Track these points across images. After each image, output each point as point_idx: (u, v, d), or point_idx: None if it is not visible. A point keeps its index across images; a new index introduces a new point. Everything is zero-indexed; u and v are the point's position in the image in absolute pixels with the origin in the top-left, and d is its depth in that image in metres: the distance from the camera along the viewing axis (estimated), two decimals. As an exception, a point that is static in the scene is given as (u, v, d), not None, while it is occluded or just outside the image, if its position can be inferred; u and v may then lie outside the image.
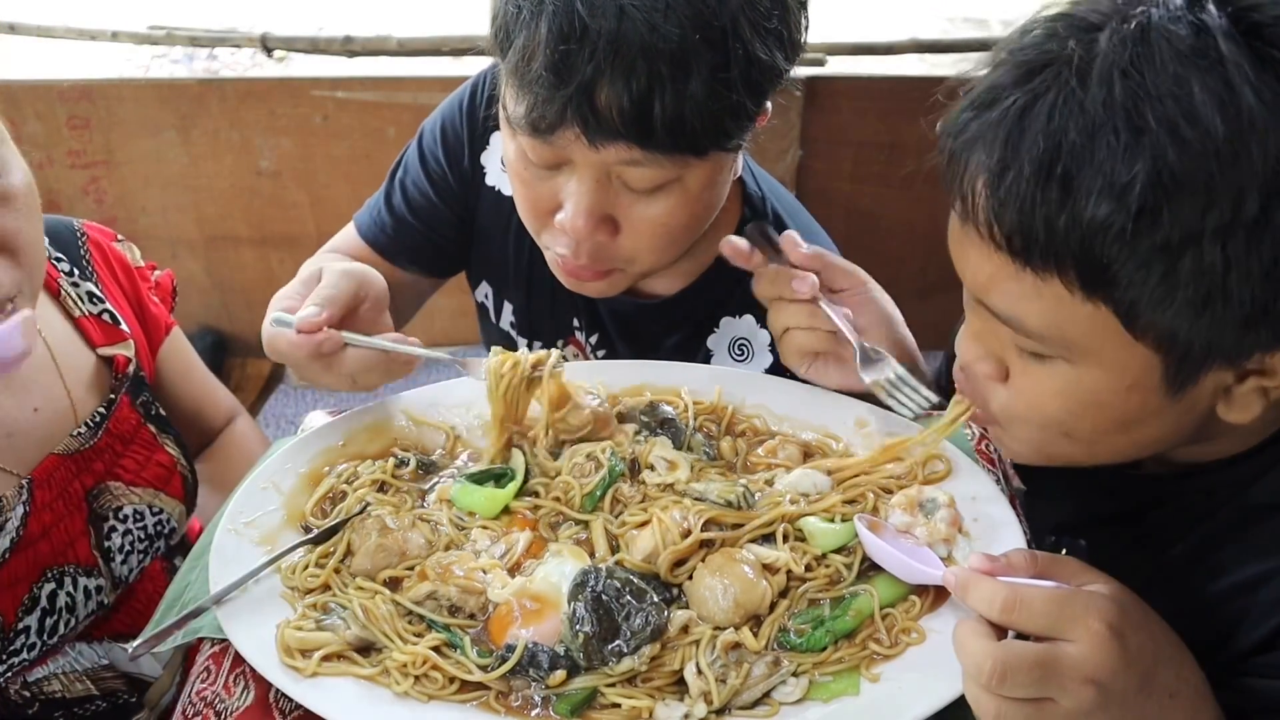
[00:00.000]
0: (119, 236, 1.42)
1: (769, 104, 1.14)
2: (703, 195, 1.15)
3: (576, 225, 1.11)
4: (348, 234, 1.53)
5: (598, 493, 1.05)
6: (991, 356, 0.94)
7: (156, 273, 1.46)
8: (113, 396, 1.27)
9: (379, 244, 1.48)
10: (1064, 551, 1.16)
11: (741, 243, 1.16)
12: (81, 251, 1.32)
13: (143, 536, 1.27)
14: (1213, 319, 0.78)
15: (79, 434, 1.22)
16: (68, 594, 1.19)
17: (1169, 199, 0.74)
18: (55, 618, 1.18)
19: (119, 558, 1.24)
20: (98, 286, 1.31)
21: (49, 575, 1.17)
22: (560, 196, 1.12)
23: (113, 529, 1.24)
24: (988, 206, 0.82)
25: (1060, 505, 1.15)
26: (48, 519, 1.18)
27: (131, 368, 1.30)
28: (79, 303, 1.28)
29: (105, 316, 1.30)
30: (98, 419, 1.25)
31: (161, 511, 1.29)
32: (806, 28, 1.12)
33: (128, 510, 1.25)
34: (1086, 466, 0.98)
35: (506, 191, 1.42)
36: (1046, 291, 0.83)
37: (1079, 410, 0.89)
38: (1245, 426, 0.89)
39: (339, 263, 1.20)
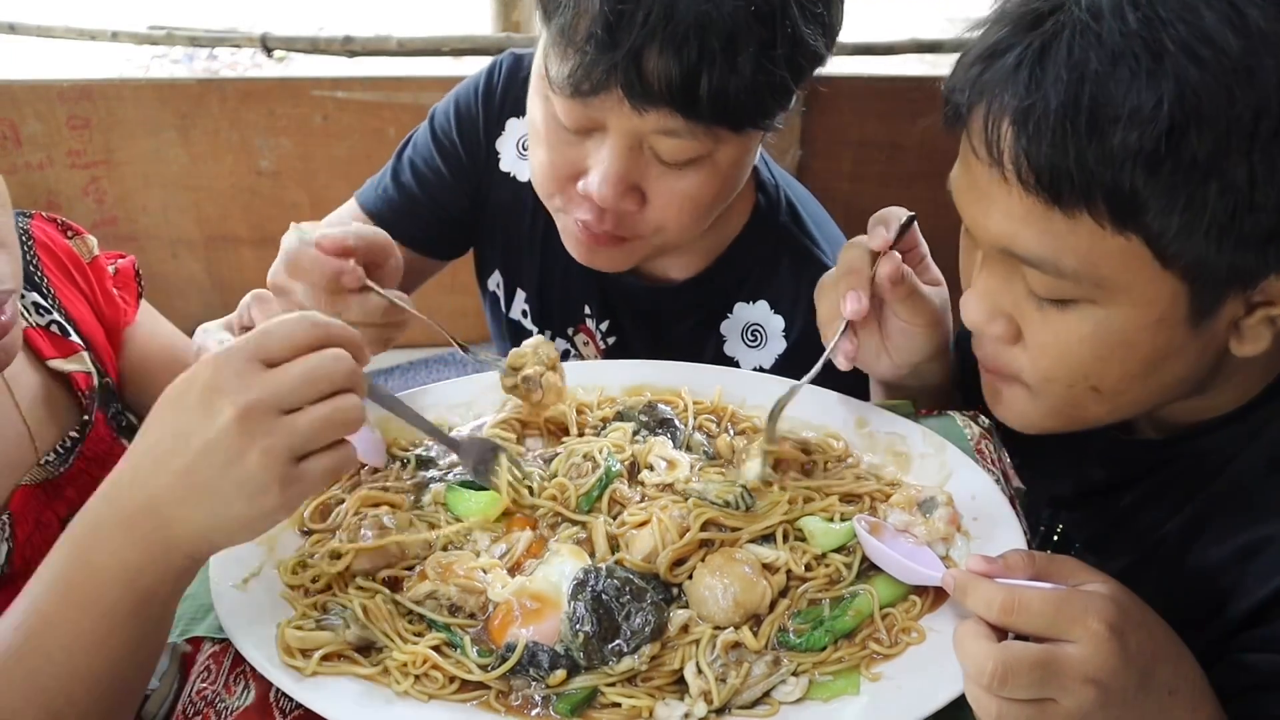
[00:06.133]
0: (71, 229, 1.31)
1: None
2: (730, 172, 1.17)
3: (604, 193, 1.11)
4: (349, 209, 1.50)
5: (594, 493, 1.05)
6: (1001, 315, 0.95)
7: (120, 260, 1.37)
8: (86, 418, 1.19)
9: (383, 217, 1.46)
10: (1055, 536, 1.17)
11: (886, 235, 1.14)
12: (28, 257, 1.23)
13: None
14: (1238, 238, 0.81)
15: (48, 461, 1.15)
16: None
17: (1196, 118, 0.77)
18: None
19: None
20: (46, 294, 1.23)
21: None
22: (588, 163, 1.13)
23: None
24: (1015, 147, 0.84)
25: (1053, 480, 1.16)
26: (29, 553, 1.13)
27: (96, 381, 1.22)
28: (25, 315, 1.20)
29: (54, 328, 1.21)
30: (69, 444, 1.17)
31: None
32: (842, 20, 1.14)
33: None
34: (1080, 433, 1.00)
35: (522, 177, 1.41)
36: (1079, 229, 0.85)
37: (1107, 354, 0.90)
38: (1246, 372, 0.93)
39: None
